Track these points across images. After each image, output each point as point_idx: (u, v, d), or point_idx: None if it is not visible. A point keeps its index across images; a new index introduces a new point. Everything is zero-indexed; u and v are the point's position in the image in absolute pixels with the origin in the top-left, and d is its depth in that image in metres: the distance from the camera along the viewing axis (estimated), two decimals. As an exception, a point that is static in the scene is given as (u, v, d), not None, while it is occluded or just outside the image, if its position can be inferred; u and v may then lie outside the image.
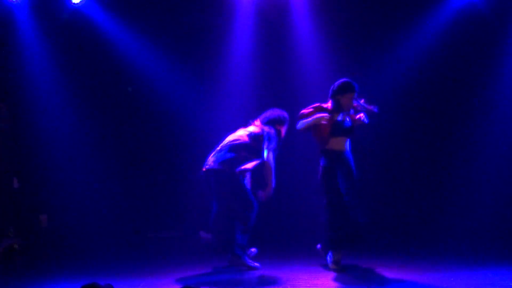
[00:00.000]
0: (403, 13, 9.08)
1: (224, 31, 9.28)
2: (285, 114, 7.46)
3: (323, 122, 6.86)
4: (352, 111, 7.06)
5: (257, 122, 7.44)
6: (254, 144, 7.26)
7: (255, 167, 7.28)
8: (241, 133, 7.39)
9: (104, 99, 9.50)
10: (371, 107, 6.98)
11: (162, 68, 9.41)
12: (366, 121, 7.05)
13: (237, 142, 7.30)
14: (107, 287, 4.96)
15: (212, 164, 7.26)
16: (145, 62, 9.43)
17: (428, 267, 7.27)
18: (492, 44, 9.06)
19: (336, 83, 7.03)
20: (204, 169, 7.30)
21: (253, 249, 7.58)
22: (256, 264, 7.32)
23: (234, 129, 7.53)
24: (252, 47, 9.31)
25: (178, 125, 9.48)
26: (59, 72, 9.35)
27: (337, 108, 6.99)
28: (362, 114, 7.04)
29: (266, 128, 7.29)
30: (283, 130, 7.44)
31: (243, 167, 7.24)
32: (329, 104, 7.06)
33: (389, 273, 6.94)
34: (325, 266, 7.26)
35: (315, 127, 6.97)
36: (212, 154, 7.35)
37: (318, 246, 7.40)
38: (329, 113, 6.92)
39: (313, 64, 9.19)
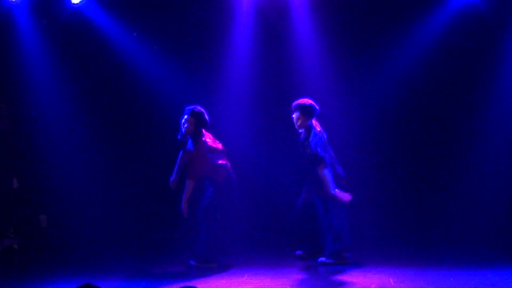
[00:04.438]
0: (403, 14, 9.07)
1: (224, 31, 9.27)
2: None
3: None
4: None
5: None
6: None
7: None
8: None
9: (104, 99, 9.49)
10: None
11: (162, 68, 9.40)
12: None
13: None
14: None
15: None
16: (145, 62, 9.41)
17: (428, 267, 7.27)
18: (492, 44, 9.05)
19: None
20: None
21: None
22: None
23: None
24: (251, 46, 9.30)
25: (179, 125, 9.45)
26: (59, 72, 9.33)
27: None
28: None
29: None
30: None
31: None
32: None
33: (389, 273, 6.94)
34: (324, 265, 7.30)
35: None
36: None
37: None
38: None
39: (312, 64, 9.19)
